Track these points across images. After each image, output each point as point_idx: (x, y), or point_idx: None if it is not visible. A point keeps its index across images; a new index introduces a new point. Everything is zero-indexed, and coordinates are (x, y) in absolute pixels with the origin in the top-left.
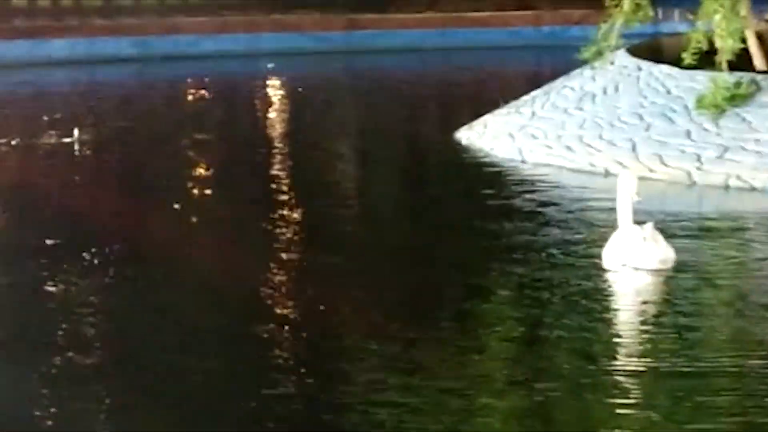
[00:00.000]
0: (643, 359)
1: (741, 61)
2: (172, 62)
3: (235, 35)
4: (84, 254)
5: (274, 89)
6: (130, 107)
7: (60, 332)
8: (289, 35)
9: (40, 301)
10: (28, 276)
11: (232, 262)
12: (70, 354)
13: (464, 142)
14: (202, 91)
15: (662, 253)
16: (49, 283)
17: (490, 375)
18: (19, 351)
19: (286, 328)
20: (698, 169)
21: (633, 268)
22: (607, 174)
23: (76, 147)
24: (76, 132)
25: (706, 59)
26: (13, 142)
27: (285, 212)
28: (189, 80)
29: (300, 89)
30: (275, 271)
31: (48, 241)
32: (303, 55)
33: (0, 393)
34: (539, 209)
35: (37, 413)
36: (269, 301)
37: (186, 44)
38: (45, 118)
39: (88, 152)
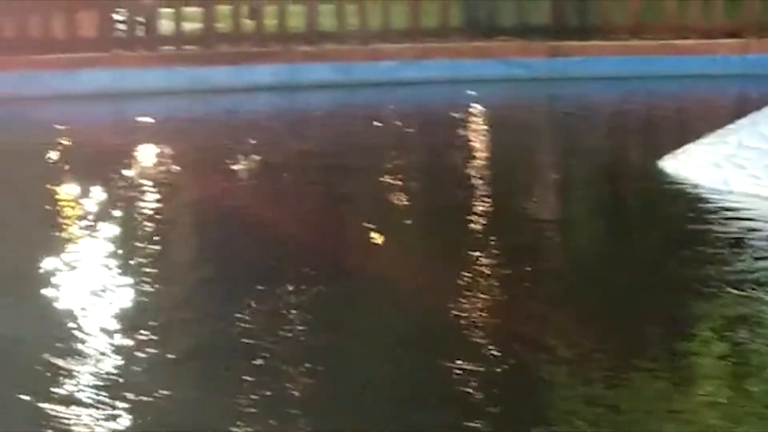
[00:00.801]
0: None
1: None
2: (373, 88)
3: (436, 62)
4: (290, 273)
5: (475, 116)
6: (329, 132)
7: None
8: (491, 62)
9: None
10: (235, 293)
11: (432, 288)
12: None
13: (668, 170)
14: (403, 118)
15: None
16: (257, 302)
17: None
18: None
19: (482, 359)
20: None
21: None
22: None
23: (275, 170)
24: (269, 157)
25: None
26: (217, 166)
27: (484, 239)
28: (390, 106)
29: (499, 116)
30: (474, 299)
31: (255, 261)
32: (504, 82)
33: (206, 405)
34: (744, 239)
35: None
36: (468, 332)
37: (387, 71)
38: (250, 141)
39: (287, 176)
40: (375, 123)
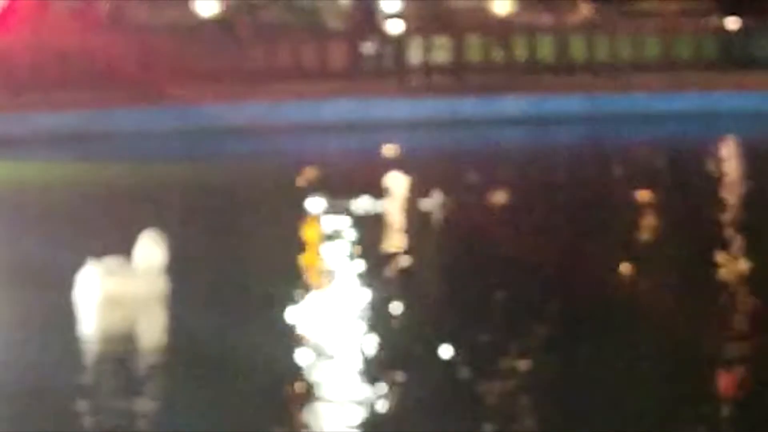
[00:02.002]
0: None
1: None
2: (623, 121)
3: (689, 94)
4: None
5: (729, 150)
6: (575, 167)
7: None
8: (747, 95)
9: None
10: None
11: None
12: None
13: None
14: (653, 151)
15: None
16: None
17: None
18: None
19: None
20: None
21: None
22: None
23: (526, 203)
24: (519, 190)
25: None
26: (464, 198)
27: (740, 276)
28: (641, 139)
29: (754, 150)
30: (728, 342)
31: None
32: (760, 115)
33: None
34: None
35: None
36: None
37: (638, 103)
38: (495, 173)
39: (537, 209)
40: (622, 155)
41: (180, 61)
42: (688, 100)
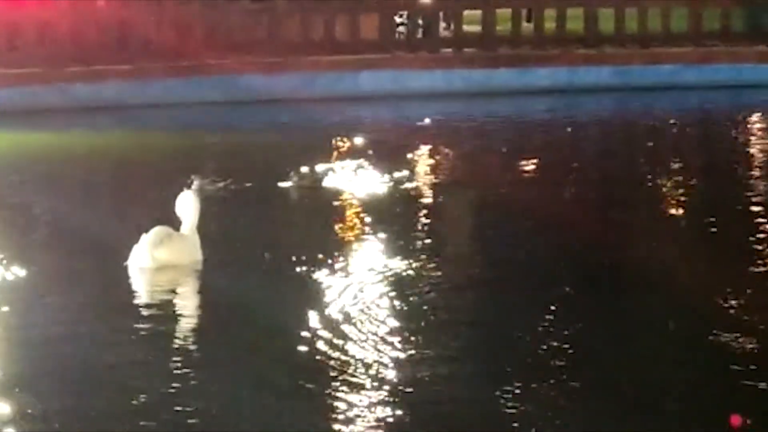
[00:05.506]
0: None
1: None
2: (652, 92)
3: (718, 66)
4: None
5: (754, 123)
6: (604, 138)
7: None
8: None
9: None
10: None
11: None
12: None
13: None
14: (682, 122)
15: None
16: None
17: None
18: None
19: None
20: None
21: None
22: None
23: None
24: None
25: None
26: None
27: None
28: (670, 111)
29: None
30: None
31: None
32: None
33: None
34: None
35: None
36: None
37: (667, 74)
38: (525, 144)
39: (566, 180)
40: (650, 127)
41: (216, 32)
42: (716, 72)
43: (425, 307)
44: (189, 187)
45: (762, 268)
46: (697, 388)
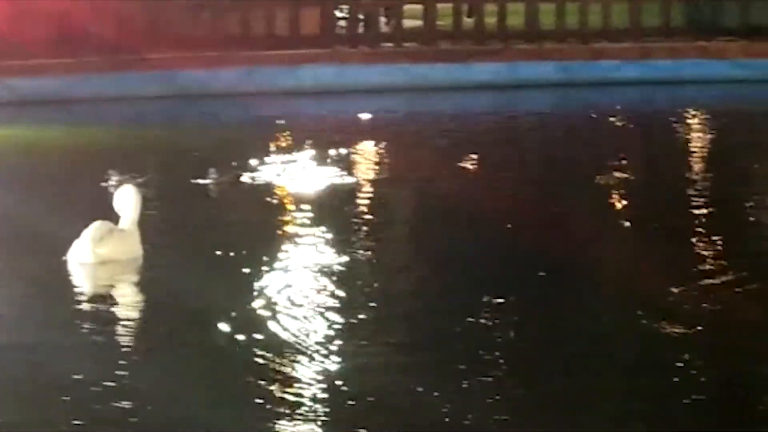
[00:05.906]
0: None
1: None
2: (593, 88)
3: (658, 61)
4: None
5: (694, 118)
6: (545, 133)
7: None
8: (713, 62)
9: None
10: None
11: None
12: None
13: None
14: (622, 117)
15: None
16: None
17: None
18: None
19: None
20: None
21: None
22: None
23: (494, 168)
24: (488, 155)
25: None
26: (443, 162)
27: (708, 242)
28: (611, 106)
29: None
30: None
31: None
32: (726, 83)
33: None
34: None
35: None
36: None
37: (608, 70)
38: (466, 138)
39: (505, 173)
40: (591, 123)
41: (156, 27)
42: (656, 68)
43: (364, 300)
44: (131, 182)
45: (703, 264)
46: (633, 381)
